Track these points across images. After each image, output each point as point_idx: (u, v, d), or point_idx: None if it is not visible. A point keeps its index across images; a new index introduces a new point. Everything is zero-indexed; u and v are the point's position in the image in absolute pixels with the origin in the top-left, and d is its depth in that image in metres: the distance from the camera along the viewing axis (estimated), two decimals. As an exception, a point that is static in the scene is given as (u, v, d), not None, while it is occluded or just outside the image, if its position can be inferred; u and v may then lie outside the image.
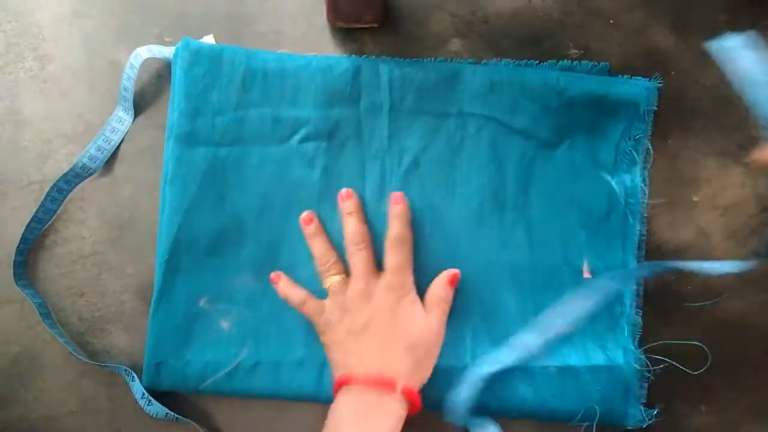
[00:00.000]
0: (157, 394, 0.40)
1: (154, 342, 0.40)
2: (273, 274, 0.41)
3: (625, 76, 0.42)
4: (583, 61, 0.42)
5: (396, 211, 0.40)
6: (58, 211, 0.42)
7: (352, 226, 0.40)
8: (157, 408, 0.39)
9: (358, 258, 0.39)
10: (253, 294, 0.41)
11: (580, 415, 0.39)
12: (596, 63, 0.42)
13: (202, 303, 0.41)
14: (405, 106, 0.42)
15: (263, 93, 0.41)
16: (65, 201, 0.42)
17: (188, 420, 0.40)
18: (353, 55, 0.43)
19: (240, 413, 0.42)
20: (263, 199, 0.41)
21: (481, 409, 0.40)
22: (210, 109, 0.41)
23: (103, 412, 0.42)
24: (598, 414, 0.39)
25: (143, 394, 0.40)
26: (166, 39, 0.44)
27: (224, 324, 0.41)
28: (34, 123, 0.43)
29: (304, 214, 0.41)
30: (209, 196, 0.41)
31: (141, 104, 0.43)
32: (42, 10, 0.44)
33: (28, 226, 0.40)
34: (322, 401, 0.40)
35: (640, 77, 0.42)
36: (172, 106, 0.41)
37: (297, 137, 0.42)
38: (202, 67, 0.41)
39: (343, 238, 0.40)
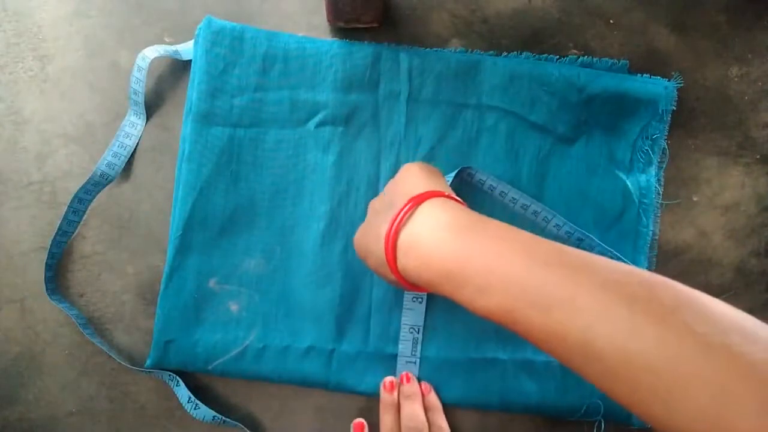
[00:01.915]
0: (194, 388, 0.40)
1: (164, 320, 0.40)
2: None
3: (645, 75, 0.42)
4: (603, 58, 0.42)
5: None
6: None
7: (410, 410, 0.39)
8: (204, 412, 0.39)
9: None
10: (262, 278, 0.41)
11: (583, 411, 0.39)
12: (616, 60, 0.42)
13: (211, 284, 0.41)
14: (423, 95, 0.42)
15: (282, 75, 0.42)
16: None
17: (236, 423, 0.40)
18: (373, 42, 0.43)
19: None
20: (277, 182, 0.42)
21: (485, 404, 0.40)
22: (229, 89, 0.41)
23: (103, 412, 0.42)
24: (602, 410, 0.39)
25: (189, 398, 0.40)
26: (166, 39, 0.44)
27: (233, 306, 0.41)
28: (34, 123, 0.43)
29: (388, 382, 0.40)
30: (224, 175, 0.41)
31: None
32: (42, 10, 0.44)
33: (53, 240, 0.40)
34: (330, 388, 0.40)
35: (659, 77, 0.42)
36: (192, 84, 0.42)
37: (314, 121, 0.42)
38: (224, 47, 0.41)
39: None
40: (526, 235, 0.28)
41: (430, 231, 0.29)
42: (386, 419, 0.39)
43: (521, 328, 0.26)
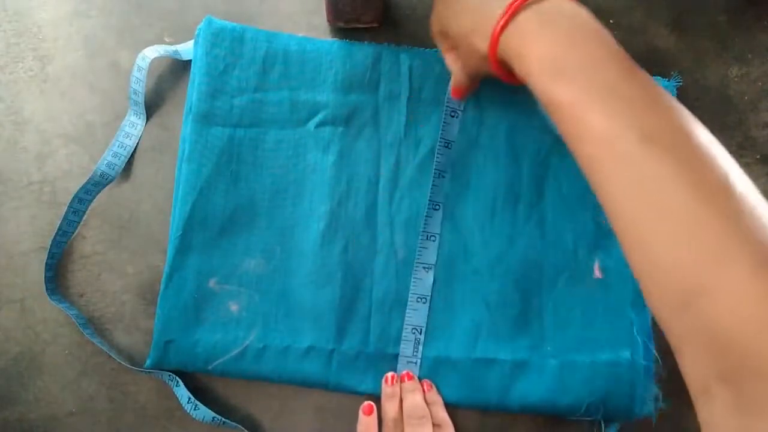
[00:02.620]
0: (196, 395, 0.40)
1: (164, 320, 0.40)
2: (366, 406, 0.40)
3: None
4: None
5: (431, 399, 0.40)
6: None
7: (412, 401, 0.39)
8: (203, 412, 0.39)
9: (416, 430, 0.39)
10: (262, 278, 0.41)
11: (583, 409, 0.39)
12: None
13: (211, 284, 0.41)
14: (423, 95, 0.42)
15: (283, 76, 0.42)
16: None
17: (236, 424, 0.40)
18: (374, 43, 0.43)
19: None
20: (277, 182, 0.42)
21: (485, 404, 0.40)
22: (229, 89, 0.41)
23: (103, 412, 0.41)
24: (602, 409, 0.39)
25: (189, 399, 0.40)
26: (166, 39, 0.44)
27: (233, 306, 0.41)
28: (34, 123, 0.43)
29: (390, 376, 0.40)
30: (224, 175, 0.41)
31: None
32: (42, 10, 0.44)
33: (53, 240, 0.40)
34: (330, 389, 0.40)
35: (659, 77, 0.42)
36: (192, 85, 0.42)
37: (314, 121, 0.42)
38: (224, 47, 0.41)
39: (403, 413, 0.40)
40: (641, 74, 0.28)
41: (547, 20, 0.30)
42: (388, 407, 0.39)
43: (577, 124, 0.27)
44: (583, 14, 0.30)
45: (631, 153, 0.24)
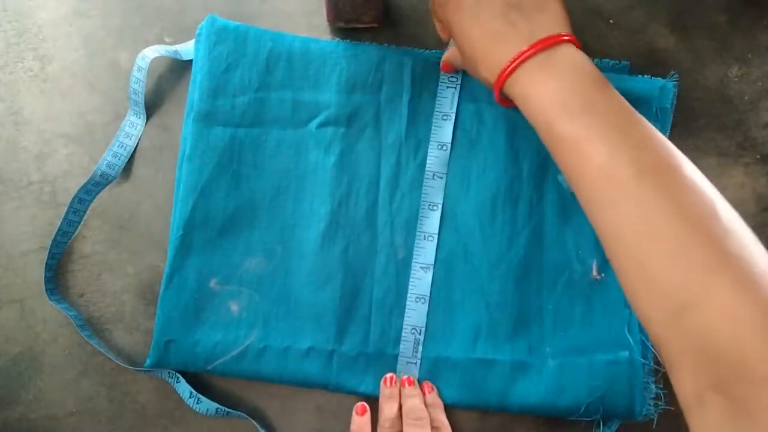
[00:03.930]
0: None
1: (164, 320, 0.40)
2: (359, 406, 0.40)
3: (646, 76, 0.42)
4: (604, 59, 0.42)
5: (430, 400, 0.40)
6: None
7: (412, 403, 0.39)
8: (206, 405, 0.39)
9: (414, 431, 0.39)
10: (263, 278, 0.41)
11: (582, 410, 0.39)
12: (618, 61, 0.42)
13: (212, 284, 0.41)
14: (425, 97, 0.42)
15: (286, 75, 0.42)
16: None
17: (240, 413, 0.40)
18: (377, 44, 0.43)
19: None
20: (278, 182, 0.42)
21: (484, 405, 0.40)
22: (231, 89, 0.41)
23: (103, 412, 0.42)
24: (602, 409, 0.39)
25: (191, 393, 0.40)
26: (166, 39, 0.44)
27: (233, 307, 0.41)
28: (34, 123, 0.43)
29: (389, 377, 0.40)
30: (225, 175, 0.41)
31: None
32: (42, 10, 0.44)
33: (53, 240, 0.40)
34: (331, 389, 0.40)
35: (659, 77, 0.42)
36: (194, 83, 0.42)
37: (316, 122, 0.42)
38: (227, 46, 0.41)
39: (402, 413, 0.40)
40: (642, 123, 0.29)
41: (551, 67, 0.30)
42: (386, 408, 0.39)
43: (579, 157, 0.28)
44: (586, 62, 0.31)
45: (629, 185, 0.27)
